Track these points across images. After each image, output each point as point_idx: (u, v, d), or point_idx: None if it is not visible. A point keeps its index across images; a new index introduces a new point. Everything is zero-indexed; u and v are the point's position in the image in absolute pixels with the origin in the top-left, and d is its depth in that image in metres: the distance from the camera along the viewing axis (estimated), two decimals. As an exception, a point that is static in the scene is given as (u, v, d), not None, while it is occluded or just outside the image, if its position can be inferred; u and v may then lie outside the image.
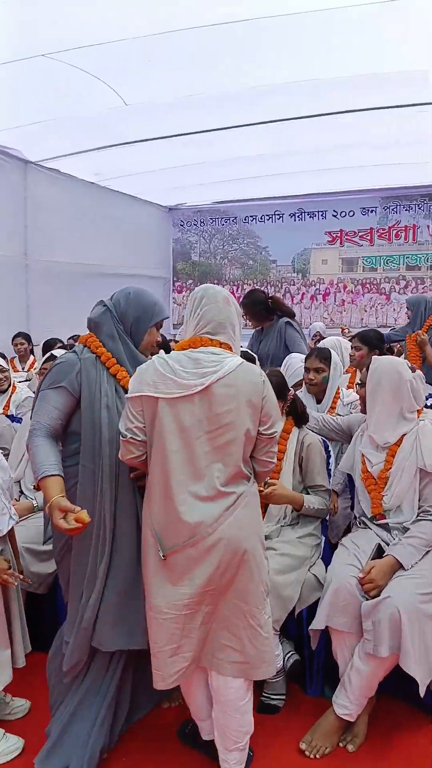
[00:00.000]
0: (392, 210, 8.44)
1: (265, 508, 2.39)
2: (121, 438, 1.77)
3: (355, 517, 2.48)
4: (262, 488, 2.24)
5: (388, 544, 2.20)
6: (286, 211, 8.86)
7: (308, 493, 2.50)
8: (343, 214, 8.64)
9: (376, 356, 2.47)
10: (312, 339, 6.82)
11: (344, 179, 7.85)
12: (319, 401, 3.19)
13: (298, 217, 8.83)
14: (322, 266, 8.80)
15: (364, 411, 2.48)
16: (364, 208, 8.55)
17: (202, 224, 9.37)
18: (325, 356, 3.14)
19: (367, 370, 2.46)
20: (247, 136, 6.17)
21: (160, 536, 1.70)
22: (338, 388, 3.19)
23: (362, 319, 8.57)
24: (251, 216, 9.06)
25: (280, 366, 3.48)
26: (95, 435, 1.87)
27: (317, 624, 2.05)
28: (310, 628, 2.09)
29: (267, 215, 8.98)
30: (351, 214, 8.61)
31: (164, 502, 1.70)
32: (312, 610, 2.20)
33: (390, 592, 1.98)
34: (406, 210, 8.40)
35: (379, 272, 8.57)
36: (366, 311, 8.58)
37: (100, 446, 1.87)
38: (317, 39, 4.32)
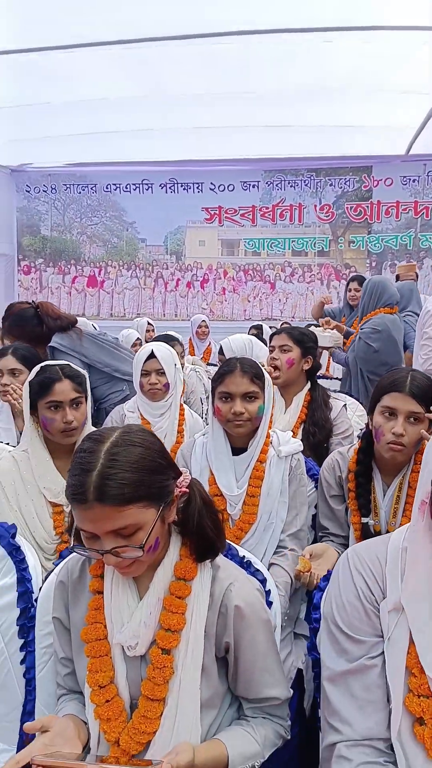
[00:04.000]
0: (276, 186, 7.34)
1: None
2: None
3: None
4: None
5: None
6: (155, 180, 7.42)
7: (242, 715, 1.16)
8: (222, 187, 7.39)
9: None
10: (197, 334, 5.51)
11: (223, 143, 6.57)
12: (237, 451, 1.86)
13: (170, 188, 7.43)
14: (199, 248, 7.50)
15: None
16: (245, 182, 7.36)
17: (54, 191, 7.64)
18: (257, 373, 1.82)
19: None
20: (104, 68, 4.64)
21: None
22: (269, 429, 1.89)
23: (245, 310, 7.41)
24: (114, 184, 7.51)
25: None
26: None
27: None
28: None
29: (133, 184, 7.48)
30: (231, 188, 7.39)
31: None
32: None
33: None
34: (291, 186, 7.34)
35: (262, 257, 7.44)
36: (249, 301, 7.42)
37: None
38: None
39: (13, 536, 1.33)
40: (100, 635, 1.08)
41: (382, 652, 1.00)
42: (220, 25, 3.95)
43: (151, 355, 2.50)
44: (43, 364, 1.81)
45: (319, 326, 3.66)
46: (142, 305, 7.60)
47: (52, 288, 7.78)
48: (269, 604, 1.27)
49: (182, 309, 7.50)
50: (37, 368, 1.78)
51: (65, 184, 7.64)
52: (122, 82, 4.90)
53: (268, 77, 4.81)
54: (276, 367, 2.45)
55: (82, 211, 7.67)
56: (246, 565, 1.26)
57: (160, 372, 2.48)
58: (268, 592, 1.28)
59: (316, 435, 2.32)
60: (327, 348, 3.62)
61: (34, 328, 2.69)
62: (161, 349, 2.52)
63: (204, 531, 1.10)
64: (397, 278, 5.17)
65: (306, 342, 2.48)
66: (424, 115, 5.68)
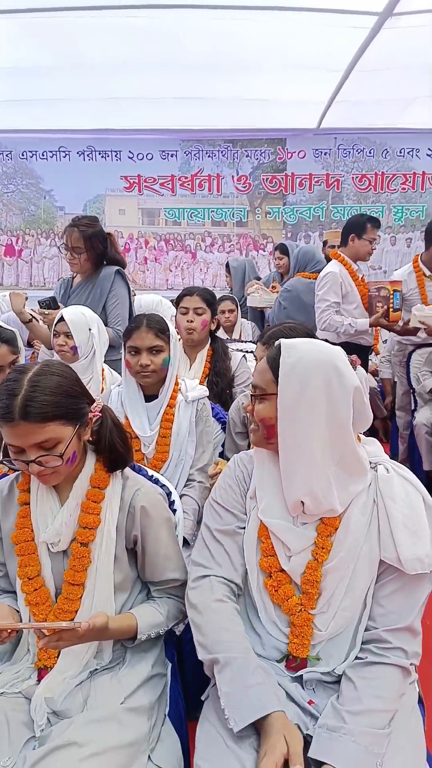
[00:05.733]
0: (194, 156, 7.46)
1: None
2: None
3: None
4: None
5: (309, 716, 1.15)
6: (73, 148, 7.36)
7: (148, 596, 1.40)
8: (141, 156, 7.43)
9: (286, 339, 1.30)
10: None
11: (140, 113, 6.64)
12: (149, 398, 2.08)
13: (88, 156, 7.40)
14: (120, 217, 7.53)
15: (265, 439, 1.30)
16: (163, 151, 7.43)
17: (-34, 157, 7.45)
18: (162, 328, 2.03)
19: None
20: (19, 35, 4.60)
21: None
22: (177, 378, 2.12)
23: (167, 279, 7.56)
24: (30, 151, 7.38)
25: None
26: None
27: None
28: None
29: (50, 152, 7.38)
30: (149, 157, 7.44)
31: None
32: None
33: None
34: (209, 157, 7.48)
35: (183, 227, 7.59)
36: (171, 271, 7.57)
37: None
38: None
39: None
40: (28, 537, 1.29)
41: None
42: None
43: (62, 318, 2.60)
44: None
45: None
46: (62, 274, 7.58)
47: (-32, 257, 7.62)
48: (174, 511, 1.52)
49: (104, 278, 7.54)
50: None
51: (-22, 150, 7.44)
52: (37, 49, 4.86)
53: (183, 50, 4.91)
54: (192, 330, 2.64)
55: (-3, 178, 7.52)
56: (154, 481, 1.50)
57: (68, 335, 2.56)
58: (172, 503, 1.52)
59: (219, 384, 2.57)
60: (260, 308, 3.98)
61: (104, 250, 3.00)
62: (73, 312, 2.61)
63: (114, 446, 1.33)
64: (324, 244, 5.48)
65: (215, 304, 2.71)
66: (332, 90, 5.97)
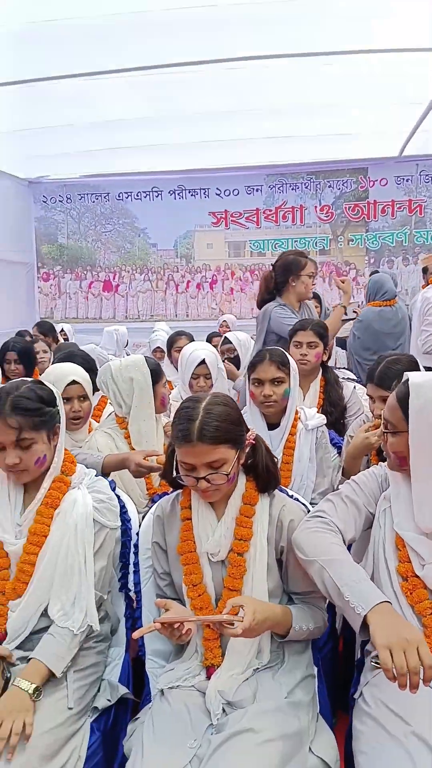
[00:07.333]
0: (278, 189, 7.75)
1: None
2: None
3: (365, 652, 1.54)
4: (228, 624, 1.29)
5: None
6: (165, 187, 7.84)
7: (291, 601, 1.58)
8: (227, 192, 7.80)
9: (414, 376, 1.44)
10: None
11: (227, 153, 7.03)
12: (272, 426, 2.28)
13: (178, 194, 7.85)
14: (207, 250, 7.92)
15: (399, 466, 1.50)
16: (249, 187, 7.77)
17: (69, 201, 8.06)
18: (283, 361, 2.24)
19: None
20: (120, 93, 5.06)
21: None
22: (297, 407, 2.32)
23: (252, 309, 7.81)
24: (126, 192, 7.93)
25: None
26: None
27: None
28: None
29: (144, 192, 7.89)
30: (236, 192, 7.80)
31: None
32: None
33: None
34: (292, 189, 7.74)
35: (267, 257, 7.84)
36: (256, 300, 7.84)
37: None
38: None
39: (114, 489, 1.75)
40: (192, 548, 1.53)
41: (371, 518, 1.54)
42: (231, 51, 4.34)
43: (203, 362, 2.72)
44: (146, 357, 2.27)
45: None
46: (155, 307, 8.03)
47: (70, 293, 8.20)
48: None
49: (193, 310, 7.91)
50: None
51: (80, 194, 8.04)
52: (139, 103, 5.31)
53: (272, 96, 5.21)
54: (306, 362, 2.77)
55: (96, 219, 8.08)
56: (294, 499, 1.70)
57: (208, 377, 2.72)
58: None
59: (333, 413, 2.73)
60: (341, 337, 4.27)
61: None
62: (210, 355, 2.74)
63: (269, 469, 1.55)
64: (425, 270, 5.56)
65: (325, 335, 2.86)
66: (415, 121, 6.09)
